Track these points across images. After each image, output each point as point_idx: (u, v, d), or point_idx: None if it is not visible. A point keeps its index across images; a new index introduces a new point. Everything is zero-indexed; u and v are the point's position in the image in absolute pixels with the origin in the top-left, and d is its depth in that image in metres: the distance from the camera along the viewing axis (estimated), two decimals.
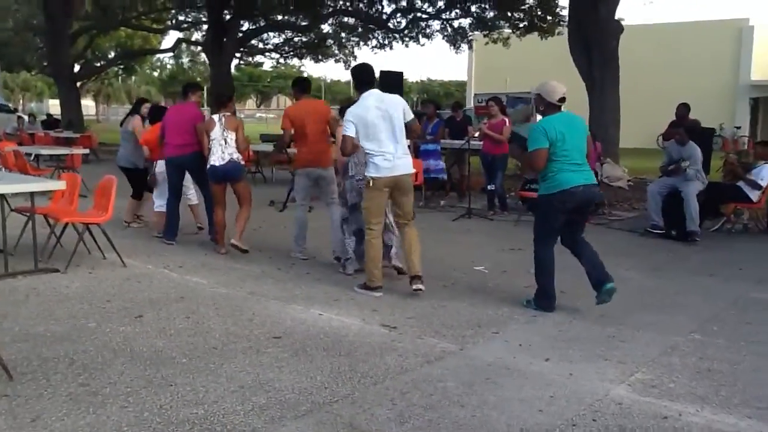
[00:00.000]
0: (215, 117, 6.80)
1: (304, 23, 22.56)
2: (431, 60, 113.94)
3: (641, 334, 4.83)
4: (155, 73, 57.80)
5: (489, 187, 10.32)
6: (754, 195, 8.76)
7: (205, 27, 27.14)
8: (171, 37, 78.33)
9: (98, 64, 32.90)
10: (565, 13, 20.09)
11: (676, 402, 3.69)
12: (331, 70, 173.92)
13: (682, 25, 27.19)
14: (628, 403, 3.66)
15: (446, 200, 11.27)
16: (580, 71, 14.19)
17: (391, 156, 5.45)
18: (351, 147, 5.56)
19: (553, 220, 5.29)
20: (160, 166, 7.78)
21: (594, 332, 4.86)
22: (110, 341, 4.38)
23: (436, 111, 11.86)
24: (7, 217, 6.24)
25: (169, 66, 59.80)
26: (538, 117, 5.51)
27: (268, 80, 70.74)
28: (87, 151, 11.98)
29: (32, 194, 5.88)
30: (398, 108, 5.56)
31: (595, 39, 13.56)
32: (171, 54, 33.58)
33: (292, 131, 6.69)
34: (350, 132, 5.49)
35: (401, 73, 14.48)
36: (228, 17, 20.45)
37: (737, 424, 3.47)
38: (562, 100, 5.22)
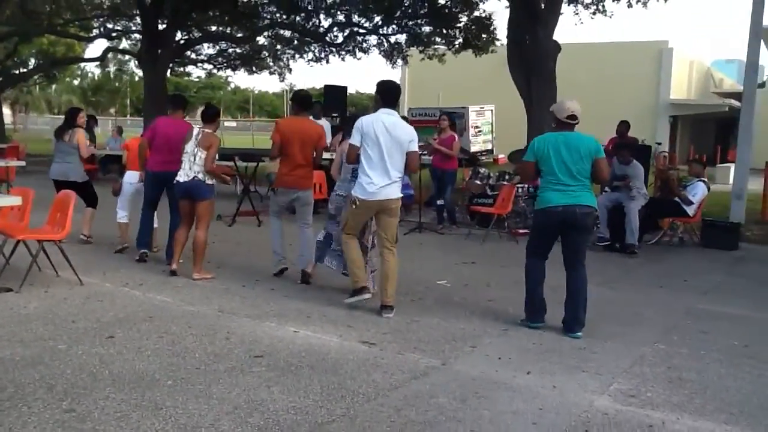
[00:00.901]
0: (194, 131, 6.60)
1: (240, 35, 22.31)
2: (359, 73, 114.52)
3: (610, 345, 5.02)
4: (75, 82, 55.90)
5: (438, 202, 10.45)
6: (690, 210, 9.23)
7: (135, 36, 26.60)
8: (97, 46, 75.99)
9: (17, 72, 31.56)
10: (498, 31, 20.68)
11: (657, 410, 3.86)
12: (260, 82, 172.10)
13: (606, 46, 28.36)
14: (613, 413, 3.80)
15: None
16: (519, 90, 14.58)
17: (379, 181, 5.47)
18: (354, 156, 5.59)
19: (539, 235, 5.46)
20: (132, 177, 7.56)
21: (565, 344, 5.02)
22: (86, 363, 4.21)
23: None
24: None
25: (90, 74, 58.08)
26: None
27: (194, 91, 69.55)
28: (23, 163, 11.48)
29: None
30: (407, 139, 5.55)
31: (534, 59, 13.96)
32: (97, 63, 32.43)
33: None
34: (355, 141, 5.52)
35: (345, 87, 14.56)
36: (162, 27, 20.01)
37: (714, 429, 3.67)
38: (572, 117, 5.25)
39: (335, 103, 13.86)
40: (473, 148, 26.87)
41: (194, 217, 6.62)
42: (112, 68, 36.39)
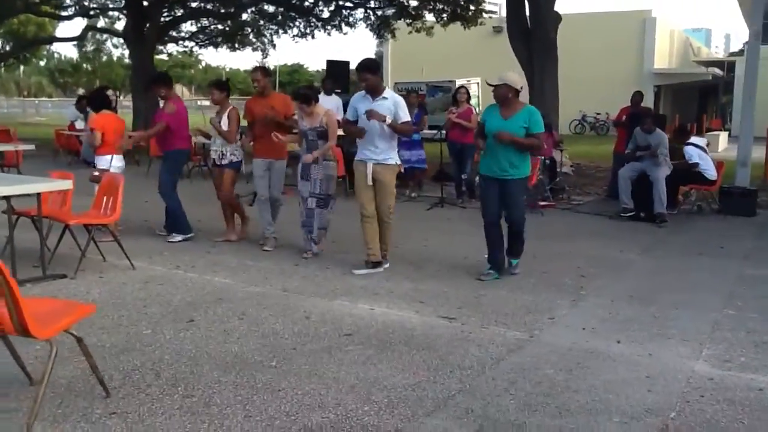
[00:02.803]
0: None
1: (225, 11, 21.87)
2: (335, 47, 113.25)
3: (681, 313, 5.08)
4: (41, 63, 54.42)
5: (463, 176, 10.44)
6: (711, 175, 9.38)
7: (113, 14, 25.95)
8: (68, 25, 73.43)
9: None
10: (487, 3, 20.59)
11: (758, 374, 3.93)
12: (231, 60, 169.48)
13: (591, 15, 28.45)
14: (718, 378, 3.86)
15: (410, 190, 11.31)
16: (520, 60, 14.53)
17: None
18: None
19: None
20: (118, 161, 7.14)
21: (640, 313, 5.06)
22: (181, 348, 4.15)
23: (418, 99, 11.83)
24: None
25: (56, 55, 56.53)
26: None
27: (165, 69, 68.03)
28: (33, 146, 11.17)
29: (39, 195, 5.43)
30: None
31: (535, 30, 13.93)
32: (74, 42, 31.56)
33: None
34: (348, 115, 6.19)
35: (348, 62, 14.42)
36: (147, 3, 19.54)
37: None
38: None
39: (338, 78, 13.71)
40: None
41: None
42: (89, 47, 35.31)
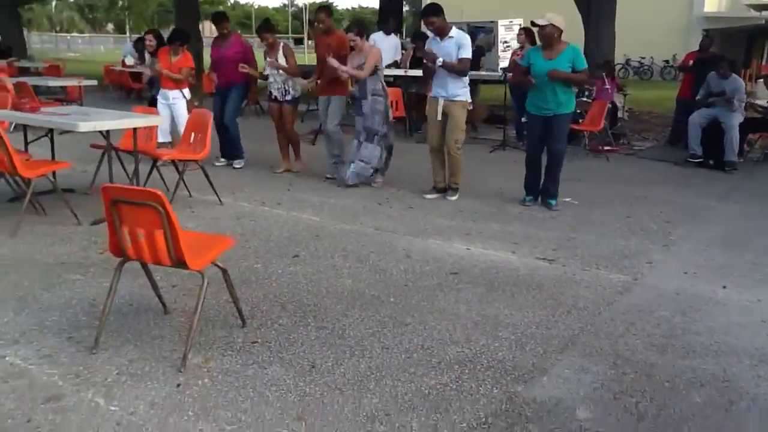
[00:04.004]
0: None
1: None
2: None
3: None
4: None
5: (523, 119, 10.32)
6: None
7: None
8: None
9: None
10: None
11: None
12: None
13: None
14: None
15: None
16: (577, 2, 14.17)
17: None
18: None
19: None
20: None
21: (736, 259, 5.04)
22: (297, 282, 4.24)
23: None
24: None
25: None
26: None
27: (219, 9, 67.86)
28: (95, 82, 11.21)
29: (135, 131, 5.49)
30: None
31: None
32: None
33: None
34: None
35: (402, 1, 14.16)
36: None
37: None
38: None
39: (392, 14, 13.48)
40: (501, 64, 26.46)
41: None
42: None
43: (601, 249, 5.19)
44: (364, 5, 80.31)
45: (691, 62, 10.78)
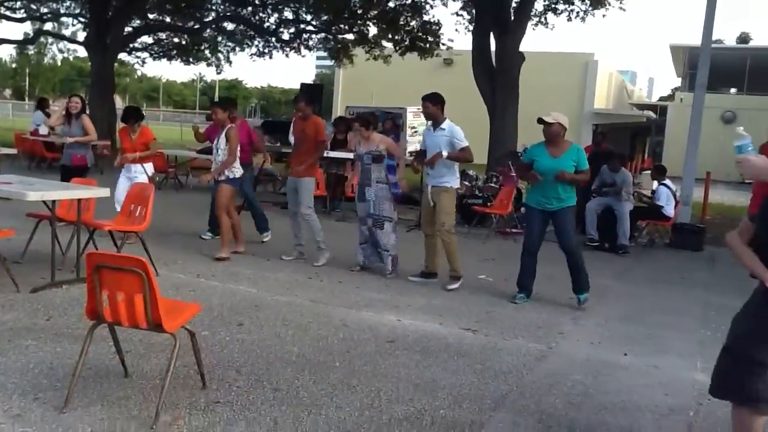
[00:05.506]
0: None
1: (188, 25, 22.03)
2: (269, 66, 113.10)
3: (668, 333, 5.77)
4: None
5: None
6: (670, 212, 10.32)
7: (63, 19, 25.58)
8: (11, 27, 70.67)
9: None
10: (443, 34, 21.46)
11: None
12: (168, 71, 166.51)
13: (537, 55, 29.85)
14: None
15: None
16: (484, 96, 15.35)
17: None
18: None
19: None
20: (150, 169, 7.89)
21: (634, 332, 5.72)
22: (246, 349, 4.50)
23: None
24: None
25: None
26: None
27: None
28: (14, 150, 11.08)
29: (79, 201, 5.66)
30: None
31: (500, 68, 14.79)
32: (14, 45, 30.63)
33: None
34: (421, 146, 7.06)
35: (321, 85, 14.92)
36: (111, 15, 19.50)
37: None
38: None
39: (314, 100, 14.12)
40: (409, 148, 27.66)
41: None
42: (32, 51, 34.41)
43: (517, 321, 5.74)
44: (273, 85, 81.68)
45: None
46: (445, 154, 6.54)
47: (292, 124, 8.09)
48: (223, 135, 7.19)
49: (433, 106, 6.66)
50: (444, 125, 6.69)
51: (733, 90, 35.84)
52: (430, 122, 6.92)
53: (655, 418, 3.87)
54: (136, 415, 3.40)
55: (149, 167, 7.65)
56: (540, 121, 6.14)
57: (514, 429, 3.59)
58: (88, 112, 8.85)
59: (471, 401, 3.91)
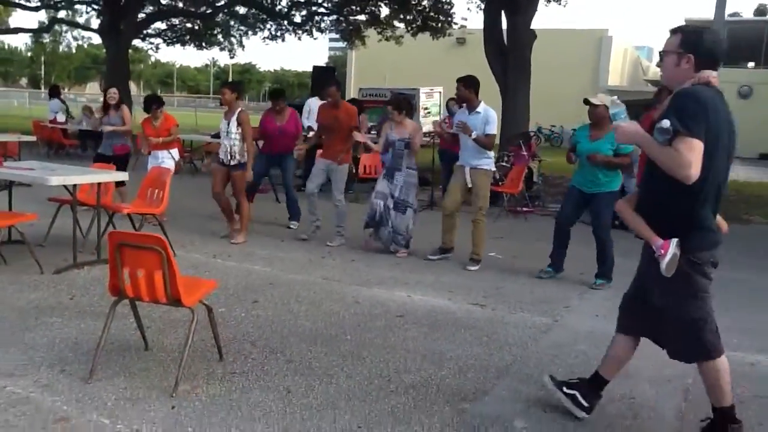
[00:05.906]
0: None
1: (203, 10, 22.15)
2: (282, 50, 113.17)
3: None
4: None
5: None
6: None
7: (77, 7, 25.82)
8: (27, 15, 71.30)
9: None
10: (455, 15, 21.45)
11: (747, 353, 4.74)
12: (181, 56, 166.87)
13: (552, 32, 29.73)
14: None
15: None
16: (495, 76, 15.35)
17: None
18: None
19: None
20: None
21: None
22: (260, 324, 4.69)
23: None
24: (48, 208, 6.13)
25: None
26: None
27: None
28: (34, 138, 11.34)
29: (99, 185, 5.86)
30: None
31: (511, 47, 14.78)
32: (30, 33, 30.99)
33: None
34: None
35: (334, 67, 15.00)
36: (123, 1, 19.67)
37: None
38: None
39: (324, 83, 14.22)
40: (423, 129, 27.79)
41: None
42: (47, 39, 34.78)
43: (524, 296, 5.88)
44: (287, 68, 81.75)
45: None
46: (474, 135, 6.58)
47: (316, 111, 8.11)
48: (234, 119, 7.15)
49: (466, 89, 6.72)
50: (480, 108, 6.76)
51: (750, 64, 35.40)
52: (464, 104, 6.95)
53: (653, 386, 4.02)
54: (156, 384, 3.60)
55: (175, 152, 7.91)
56: (586, 102, 6.14)
57: (517, 396, 3.75)
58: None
59: (476, 371, 4.08)
